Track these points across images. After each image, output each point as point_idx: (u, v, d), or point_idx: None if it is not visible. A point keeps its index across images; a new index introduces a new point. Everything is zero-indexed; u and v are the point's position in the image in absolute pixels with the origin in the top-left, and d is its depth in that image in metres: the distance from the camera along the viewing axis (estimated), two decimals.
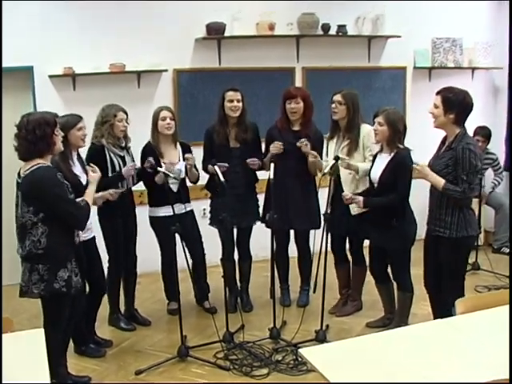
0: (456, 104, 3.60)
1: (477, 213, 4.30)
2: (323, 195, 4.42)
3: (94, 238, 4.03)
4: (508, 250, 6.22)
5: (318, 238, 4.08)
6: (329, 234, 4.11)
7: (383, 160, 4.06)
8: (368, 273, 4.50)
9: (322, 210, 4.34)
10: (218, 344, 4.15)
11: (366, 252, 4.57)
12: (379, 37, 6.20)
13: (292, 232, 4.84)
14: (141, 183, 4.57)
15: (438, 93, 3.69)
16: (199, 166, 4.67)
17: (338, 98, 4.43)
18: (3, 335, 2.56)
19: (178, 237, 4.01)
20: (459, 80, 5.67)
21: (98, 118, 4.25)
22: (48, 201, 3.19)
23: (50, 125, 3.20)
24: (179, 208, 4.31)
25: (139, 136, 4.50)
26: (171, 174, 4.15)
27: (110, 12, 5.31)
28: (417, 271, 4.11)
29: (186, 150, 4.61)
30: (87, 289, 3.97)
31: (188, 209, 4.56)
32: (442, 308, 3.67)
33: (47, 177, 3.19)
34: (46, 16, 5.14)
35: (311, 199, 4.67)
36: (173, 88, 5.71)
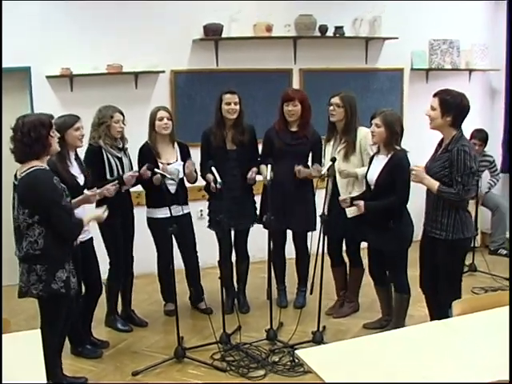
0: (453, 106, 3.59)
1: (473, 214, 4.30)
2: (320, 196, 4.42)
3: (91, 239, 4.03)
4: (505, 252, 6.24)
5: (314, 240, 4.08)
6: (325, 236, 4.11)
7: (380, 162, 4.06)
8: (365, 274, 4.50)
9: (319, 212, 4.35)
10: (215, 345, 4.14)
11: (363, 254, 4.58)
12: (376, 38, 6.21)
13: (290, 233, 4.84)
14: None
15: (435, 95, 3.68)
16: (198, 166, 4.65)
17: (336, 100, 4.42)
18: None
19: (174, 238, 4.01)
20: (456, 82, 5.70)
21: (95, 120, 4.24)
22: (42, 204, 3.17)
23: (46, 126, 3.18)
24: (176, 210, 4.32)
25: (136, 137, 4.50)
26: (168, 175, 4.15)
27: (107, 13, 5.31)
28: (413, 273, 4.11)
29: (184, 149, 4.62)
30: (83, 290, 3.97)
31: (185, 211, 4.55)
32: (439, 309, 3.67)
33: (42, 180, 3.17)
34: (43, 17, 5.14)
35: (308, 200, 4.68)
36: (170, 89, 5.71)
